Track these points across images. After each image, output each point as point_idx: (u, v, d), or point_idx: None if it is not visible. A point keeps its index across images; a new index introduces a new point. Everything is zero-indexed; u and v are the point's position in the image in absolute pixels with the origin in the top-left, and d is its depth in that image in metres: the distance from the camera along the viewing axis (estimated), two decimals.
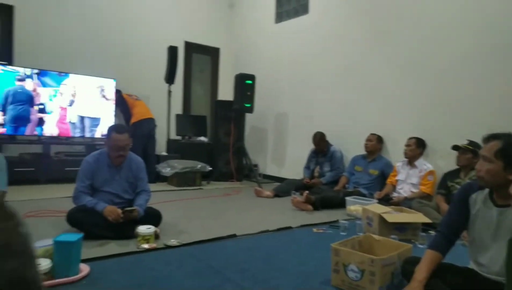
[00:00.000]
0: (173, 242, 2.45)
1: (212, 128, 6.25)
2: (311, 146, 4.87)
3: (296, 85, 5.65)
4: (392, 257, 1.83)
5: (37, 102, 4.70)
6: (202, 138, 6.09)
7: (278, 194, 4.55)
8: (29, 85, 4.63)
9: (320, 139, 4.73)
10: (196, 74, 6.82)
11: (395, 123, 4.31)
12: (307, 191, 3.96)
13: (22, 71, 4.59)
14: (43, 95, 4.73)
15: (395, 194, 3.85)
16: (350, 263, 1.84)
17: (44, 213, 3.15)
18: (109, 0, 5.63)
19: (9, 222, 0.25)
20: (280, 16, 6.00)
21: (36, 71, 4.69)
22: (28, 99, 4.63)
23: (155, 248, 2.35)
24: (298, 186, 4.59)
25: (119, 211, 2.51)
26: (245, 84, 5.44)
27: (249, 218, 3.41)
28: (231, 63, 6.93)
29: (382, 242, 2.12)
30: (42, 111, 4.73)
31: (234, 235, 2.77)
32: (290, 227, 3.10)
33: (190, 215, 3.45)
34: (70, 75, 4.93)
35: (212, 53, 6.93)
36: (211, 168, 5.34)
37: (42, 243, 1.84)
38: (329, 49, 5.10)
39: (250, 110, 5.51)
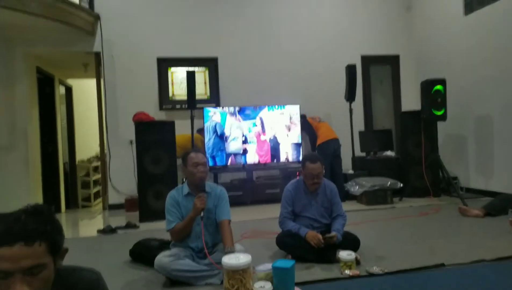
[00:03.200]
0: (376, 270, 2.43)
1: (399, 141, 5.93)
2: None
3: (501, 82, 4.78)
4: None
5: (241, 135, 5.51)
6: (389, 153, 5.85)
7: (490, 212, 3.90)
8: (232, 120, 5.49)
9: None
10: (376, 86, 6.65)
11: None
12: None
13: (227, 110, 5.50)
14: (244, 128, 5.51)
15: None
16: None
17: (256, 235, 3.63)
18: (289, 34, 6.15)
19: None
20: (471, 6, 5.25)
21: (237, 108, 5.53)
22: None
23: (358, 275, 2.39)
24: None
25: (320, 236, 2.67)
26: (433, 90, 4.96)
27: (457, 244, 3.04)
28: (414, 69, 6.47)
29: None
30: (244, 142, 5.52)
31: (442, 265, 2.53)
32: None
33: (387, 238, 3.34)
34: (263, 107, 5.59)
35: (391, 62, 6.63)
36: (402, 184, 5.04)
37: (263, 268, 2.14)
38: None
39: (443, 117, 4.96)
